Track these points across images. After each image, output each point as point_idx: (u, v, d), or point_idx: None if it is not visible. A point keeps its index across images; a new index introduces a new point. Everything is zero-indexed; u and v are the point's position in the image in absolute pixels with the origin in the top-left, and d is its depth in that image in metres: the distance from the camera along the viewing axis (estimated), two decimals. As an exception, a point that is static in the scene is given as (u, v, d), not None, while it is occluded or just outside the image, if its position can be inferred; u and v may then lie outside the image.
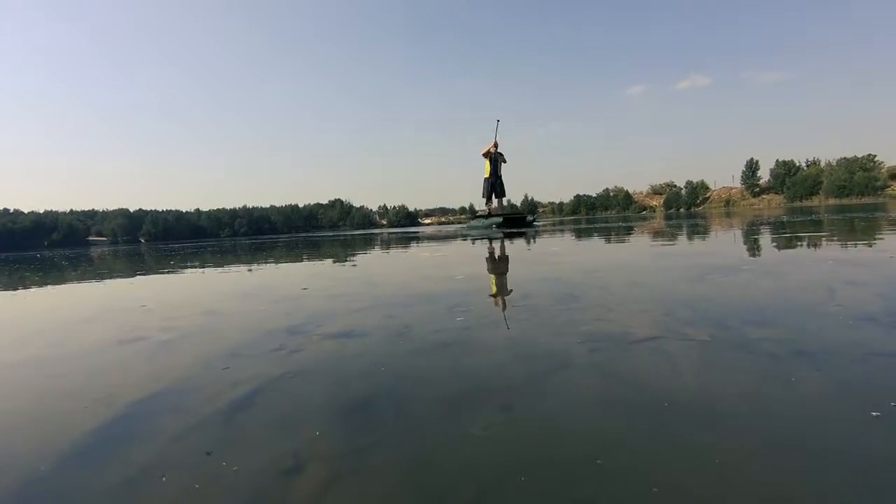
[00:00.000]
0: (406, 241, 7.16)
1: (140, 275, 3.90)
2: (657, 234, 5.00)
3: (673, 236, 4.27)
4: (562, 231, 7.35)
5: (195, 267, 4.30)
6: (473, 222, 12.88)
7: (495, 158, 12.24)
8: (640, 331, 1.06)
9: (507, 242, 4.73)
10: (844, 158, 53.92)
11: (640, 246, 3.46)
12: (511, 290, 1.79)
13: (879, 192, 46.59)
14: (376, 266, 3.24)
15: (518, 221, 11.49)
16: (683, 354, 0.89)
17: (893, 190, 48.02)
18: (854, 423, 0.60)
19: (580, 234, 6.21)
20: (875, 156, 52.64)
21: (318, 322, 1.37)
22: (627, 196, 71.40)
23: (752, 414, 0.64)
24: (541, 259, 2.97)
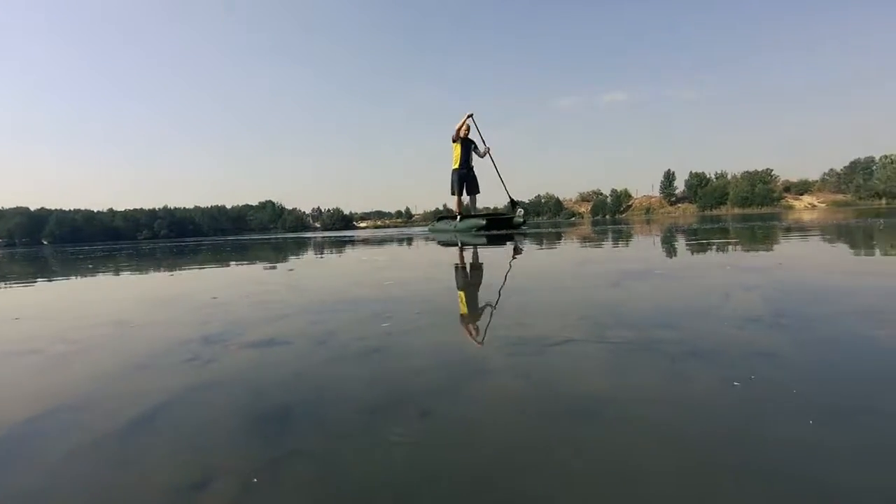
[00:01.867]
0: (340, 244, 7.02)
1: (39, 279, 3.54)
2: (584, 238, 5.25)
3: (597, 242, 4.50)
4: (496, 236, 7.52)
5: (106, 272, 3.97)
6: (439, 224, 10.47)
7: (466, 145, 9.50)
8: (556, 335, 1.11)
9: (469, 247, 4.76)
10: (747, 172, 59.31)
11: (566, 251, 3.61)
12: (438, 296, 1.81)
13: (776, 203, 51.83)
14: (306, 271, 3.16)
15: (503, 222, 9.42)
16: (593, 356, 0.95)
17: (787, 201, 53.61)
18: (733, 413, 0.66)
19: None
20: (772, 170, 58.43)
21: (238, 331, 1.32)
22: (558, 203, 74.32)
23: (650, 409, 0.69)
24: (470, 263, 3.02)
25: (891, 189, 50.07)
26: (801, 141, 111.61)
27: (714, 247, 3.38)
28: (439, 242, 5.74)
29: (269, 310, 1.63)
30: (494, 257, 3.33)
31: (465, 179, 9.54)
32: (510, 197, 9.97)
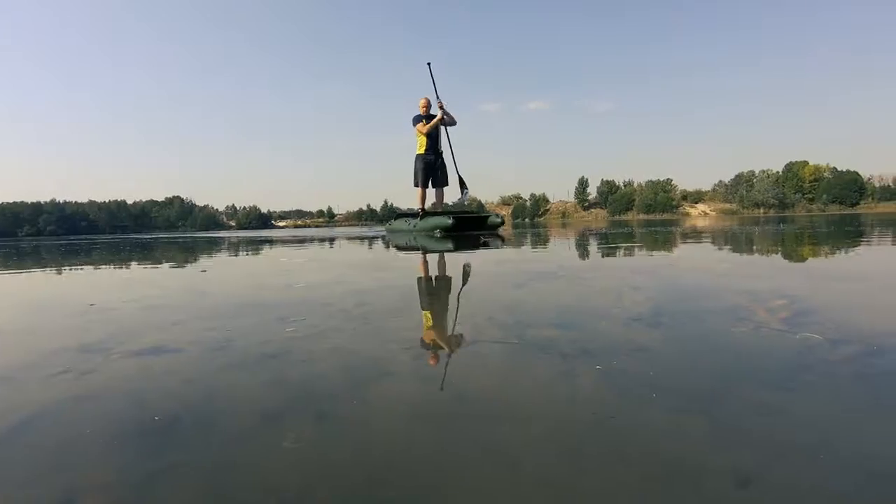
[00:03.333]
0: (254, 244, 6.70)
1: None
2: (503, 241, 5.42)
3: (516, 244, 4.66)
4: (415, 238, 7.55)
5: (-29, 274, 3.49)
6: (397, 223, 8.70)
7: (436, 124, 7.49)
8: (460, 336, 1.14)
9: (414, 252, 4.68)
10: (651, 181, 64.55)
11: (483, 253, 3.71)
12: (349, 297, 1.79)
13: (675, 210, 57.05)
14: (211, 273, 2.98)
15: (475, 223, 7.82)
16: (494, 356, 0.99)
17: (684, 208, 59.11)
18: (622, 406, 0.72)
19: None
20: (671, 180, 64.00)
21: (123, 338, 1.22)
22: (480, 205, 76.16)
23: (543, 407, 0.73)
24: (388, 264, 3.02)
25: (766, 200, 56.96)
26: (697, 153, 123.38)
27: (620, 250, 3.64)
28: (395, 246, 4.96)
29: (162, 314, 1.53)
30: (430, 261, 3.35)
31: (431, 168, 7.69)
32: (459, 175, 8.20)
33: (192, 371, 0.95)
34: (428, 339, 1.12)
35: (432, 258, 3.33)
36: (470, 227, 7.45)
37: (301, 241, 7.32)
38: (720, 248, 3.64)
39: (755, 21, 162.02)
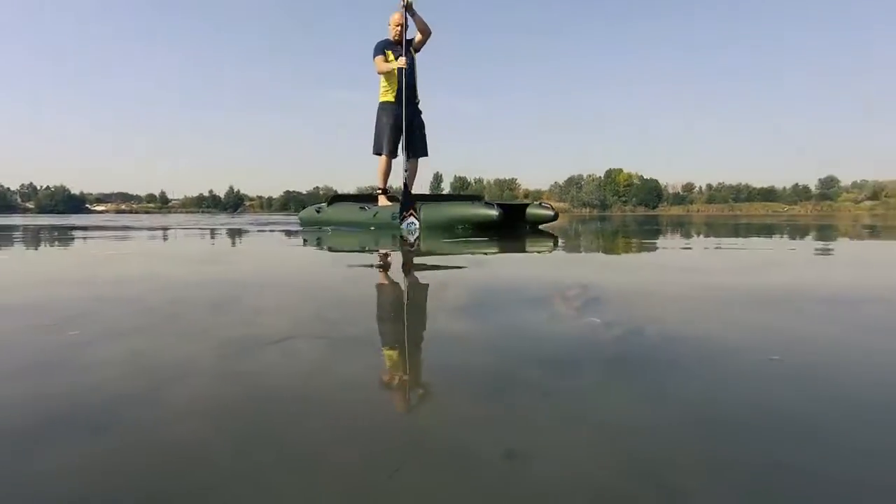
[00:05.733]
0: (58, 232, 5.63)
1: None
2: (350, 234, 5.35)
3: (358, 237, 4.62)
4: (271, 230, 7.07)
5: None
6: (334, 211, 5.87)
7: (407, 56, 5.16)
8: (278, 332, 1.10)
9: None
10: (498, 179, 69.71)
11: (324, 246, 3.62)
12: (155, 295, 1.60)
13: (518, 207, 62.63)
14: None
15: (518, 213, 5.47)
16: (308, 351, 0.97)
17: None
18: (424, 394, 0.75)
19: (262, 230, 6.12)
20: (516, 179, 69.82)
21: None
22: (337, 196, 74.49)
23: (349, 403, 0.74)
24: (217, 258, 2.78)
25: (591, 201, 65.85)
26: (541, 154, 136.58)
27: (466, 246, 3.84)
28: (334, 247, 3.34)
29: None
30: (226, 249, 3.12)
31: (403, 127, 5.18)
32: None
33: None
34: (244, 336, 1.06)
35: (250, 245, 3.14)
36: (510, 221, 4.98)
37: (125, 229, 6.35)
38: (550, 241, 4.07)
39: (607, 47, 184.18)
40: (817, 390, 0.74)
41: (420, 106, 5.46)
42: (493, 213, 4.54)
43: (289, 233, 5.41)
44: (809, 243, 4.01)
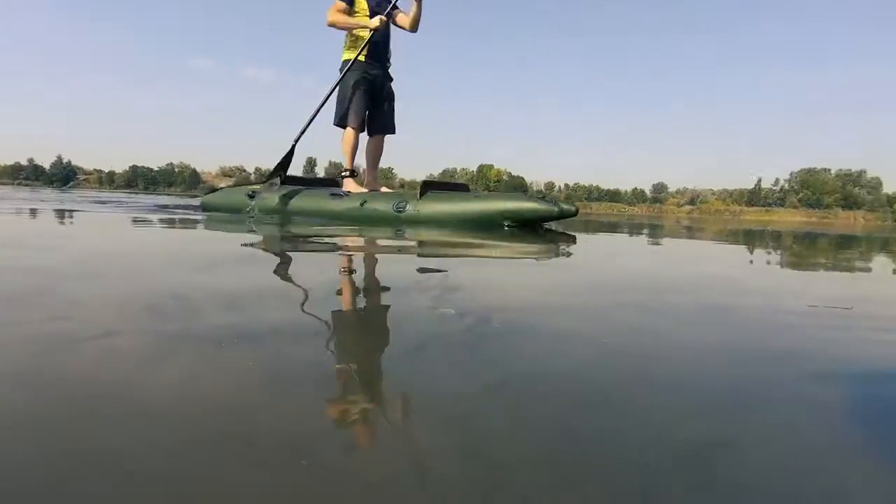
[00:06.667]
0: None
1: None
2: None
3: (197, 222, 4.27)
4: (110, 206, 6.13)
5: None
6: (304, 199, 4.31)
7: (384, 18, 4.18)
8: (101, 327, 0.97)
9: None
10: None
11: (174, 231, 3.28)
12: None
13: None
14: None
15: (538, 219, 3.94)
16: (129, 348, 0.87)
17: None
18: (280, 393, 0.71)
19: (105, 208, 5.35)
20: (393, 168, 69.71)
21: None
22: (195, 174, 67.41)
23: (181, 402, 0.67)
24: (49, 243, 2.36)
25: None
26: (420, 146, 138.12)
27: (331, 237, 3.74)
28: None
29: None
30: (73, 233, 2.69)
31: (375, 94, 4.39)
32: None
33: None
34: (63, 331, 0.91)
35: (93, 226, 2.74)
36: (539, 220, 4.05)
37: None
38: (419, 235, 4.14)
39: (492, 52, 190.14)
40: (628, 369, 0.86)
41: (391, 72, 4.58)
42: (555, 209, 3.77)
43: (188, 223, 4.74)
44: (644, 238, 4.63)
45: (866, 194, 64.72)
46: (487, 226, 3.81)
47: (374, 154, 4.64)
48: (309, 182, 5.00)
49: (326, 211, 4.14)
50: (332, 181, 5.12)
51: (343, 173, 4.52)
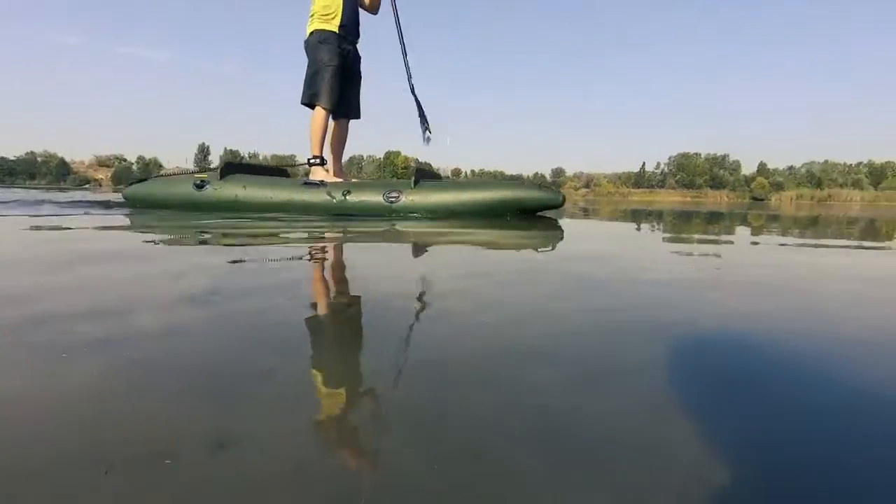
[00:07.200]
0: None
1: None
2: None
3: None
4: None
5: None
6: (263, 189, 3.72)
7: None
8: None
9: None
10: (276, 154, 65.81)
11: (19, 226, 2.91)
12: None
13: (299, 186, 61.11)
14: None
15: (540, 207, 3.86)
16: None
17: (308, 184, 63.96)
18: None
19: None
20: (295, 156, 66.86)
21: None
22: (64, 164, 59.87)
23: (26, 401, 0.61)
24: None
25: (370, 178, 68.06)
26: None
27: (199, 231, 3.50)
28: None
29: None
30: None
31: (348, 73, 3.99)
32: (417, 101, 4.30)
33: None
34: None
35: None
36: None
37: None
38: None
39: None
40: (502, 341, 0.93)
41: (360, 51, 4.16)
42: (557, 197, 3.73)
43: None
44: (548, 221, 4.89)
45: (729, 175, 73.56)
46: (485, 216, 3.61)
47: (341, 140, 4.26)
48: (260, 170, 4.40)
49: (300, 203, 3.66)
50: (280, 170, 4.60)
51: (311, 160, 4.00)
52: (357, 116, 4.26)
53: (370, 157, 73.74)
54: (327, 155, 4.24)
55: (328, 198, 3.61)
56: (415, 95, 4.17)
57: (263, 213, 3.59)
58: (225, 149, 64.54)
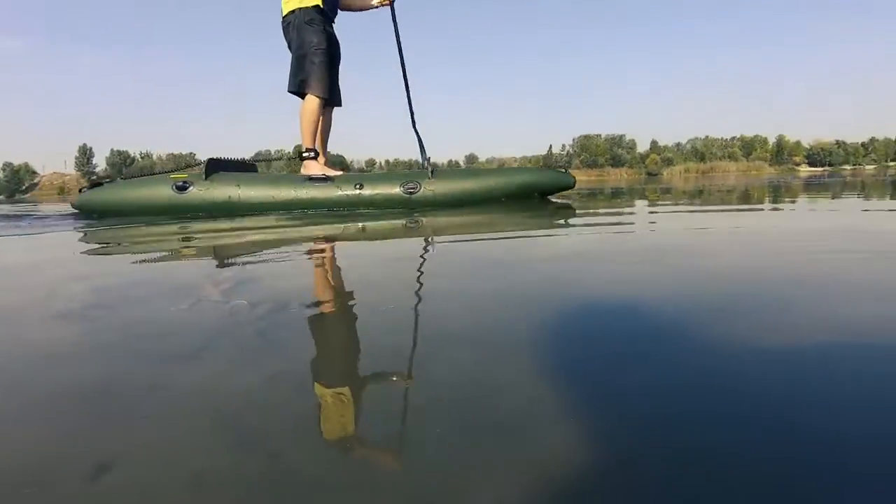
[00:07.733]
0: None
1: None
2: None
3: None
4: None
5: None
6: (258, 188, 3.37)
7: None
8: None
9: None
10: (173, 154, 60.62)
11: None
12: None
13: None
14: None
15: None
16: None
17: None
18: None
19: None
20: (195, 154, 61.98)
21: None
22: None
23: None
24: None
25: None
26: (238, 122, 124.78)
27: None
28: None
29: None
30: None
31: (336, 59, 3.66)
32: (415, 125, 3.96)
33: None
34: None
35: None
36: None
37: None
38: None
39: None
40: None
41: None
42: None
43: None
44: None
45: (626, 154, 79.08)
46: (500, 200, 3.51)
47: (326, 130, 3.84)
48: (243, 167, 4.01)
49: (307, 201, 3.35)
50: (251, 166, 4.22)
51: (306, 153, 3.61)
52: (340, 104, 3.91)
53: (279, 150, 70.45)
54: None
55: (339, 192, 3.35)
56: (416, 129, 3.95)
57: (264, 214, 3.28)
58: (111, 150, 58.35)
